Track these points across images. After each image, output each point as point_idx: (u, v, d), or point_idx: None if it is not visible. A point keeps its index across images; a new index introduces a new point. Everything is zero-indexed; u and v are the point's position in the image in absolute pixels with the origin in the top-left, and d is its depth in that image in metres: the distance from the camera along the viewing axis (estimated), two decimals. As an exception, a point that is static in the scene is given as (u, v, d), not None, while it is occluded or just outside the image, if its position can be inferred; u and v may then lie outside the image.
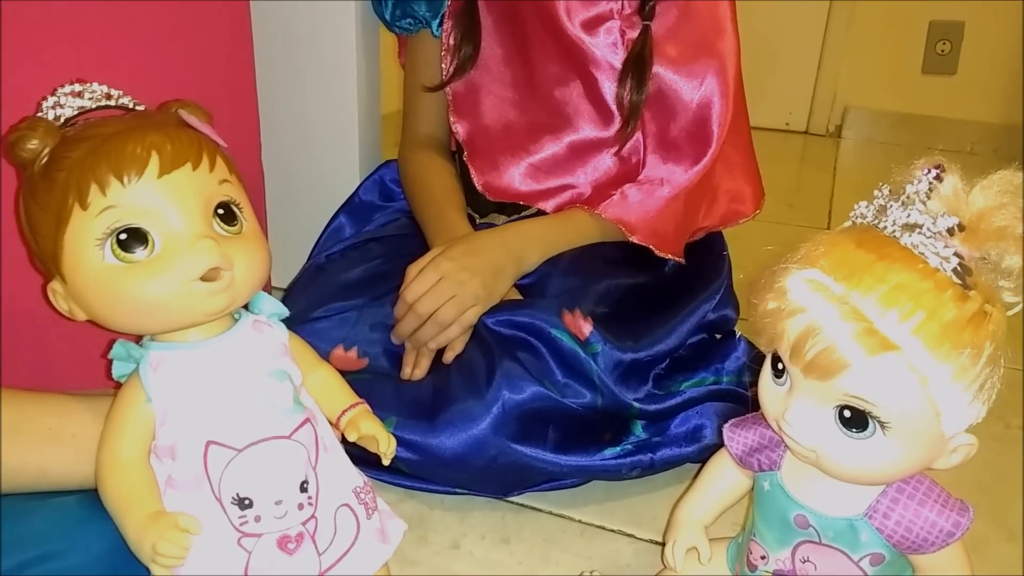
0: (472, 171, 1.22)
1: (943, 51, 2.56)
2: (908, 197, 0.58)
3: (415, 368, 1.02)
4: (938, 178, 0.58)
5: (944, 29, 2.54)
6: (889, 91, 2.66)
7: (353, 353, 1.04)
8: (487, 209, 1.24)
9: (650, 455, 0.99)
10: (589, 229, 1.16)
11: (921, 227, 0.57)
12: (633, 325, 1.06)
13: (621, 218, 1.14)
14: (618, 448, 0.98)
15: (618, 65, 1.16)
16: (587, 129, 1.20)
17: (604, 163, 1.20)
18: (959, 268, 0.56)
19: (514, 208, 1.22)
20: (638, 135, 1.18)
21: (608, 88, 1.17)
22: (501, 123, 1.23)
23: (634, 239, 1.13)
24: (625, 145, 1.17)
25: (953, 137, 2.54)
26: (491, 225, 1.20)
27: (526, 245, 1.10)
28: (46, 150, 0.61)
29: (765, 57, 2.59)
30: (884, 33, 2.59)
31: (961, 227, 0.56)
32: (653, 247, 1.14)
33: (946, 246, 0.56)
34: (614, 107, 1.18)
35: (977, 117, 2.56)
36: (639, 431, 1.00)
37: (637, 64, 1.14)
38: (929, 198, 0.57)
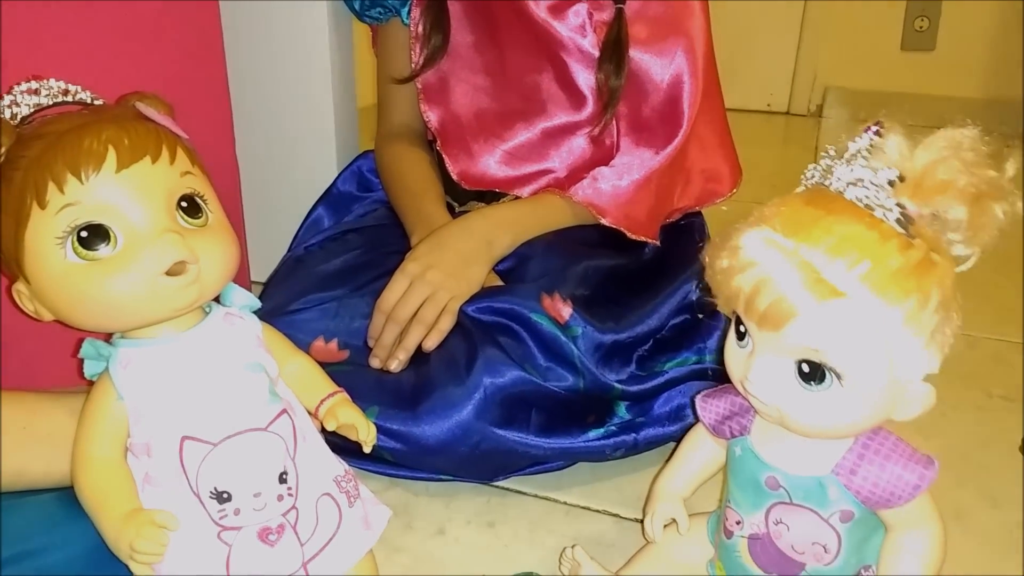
0: (447, 160, 1.23)
1: (921, 28, 2.57)
2: (851, 155, 0.61)
3: (393, 360, 1.01)
4: (877, 134, 0.60)
5: (922, 6, 2.54)
6: (869, 69, 2.66)
7: (334, 345, 1.04)
8: (465, 197, 1.24)
9: (634, 435, 0.99)
10: (561, 212, 1.16)
11: (863, 181, 0.59)
12: (614, 306, 1.07)
13: (592, 201, 1.14)
14: (602, 430, 0.98)
15: (587, 48, 1.16)
16: (560, 115, 1.20)
17: (578, 146, 1.20)
18: (901, 218, 0.58)
19: (492, 196, 1.22)
20: (609, 121, 1.18)
21: (579, 72, 1.17)
22: (472, 110, 1.23)
23: (605, 222, 1.14)
24: (604, 129, 1.17)
25: (934, 113, 2.51)
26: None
27: (494, 228, 1.10)
28: (2, 149, 0.60)
29: (745, 38, 2.59)
30: (862, 11, 2.59)
31: (901, 178, 0.58)
32: (625, 230, 1.14)
33: (888, 197, 0.58)
34: (586, 91, 1.18)
35: (957, 92, 2.57)
36: (622, 412, 1.01)
37: (615, 49, 1.14)
38: (871, 155, 0.59)
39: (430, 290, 1.01)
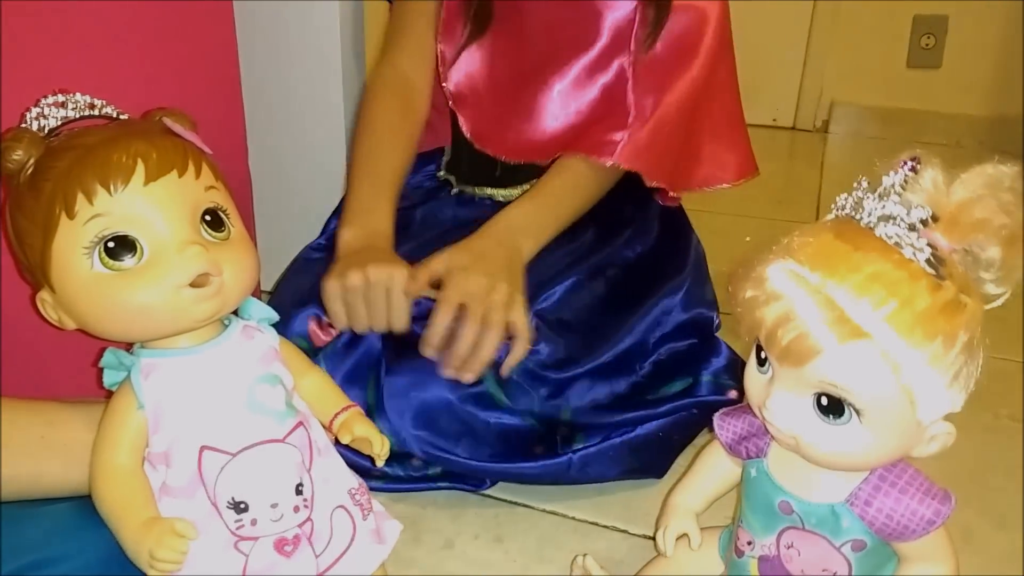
0: (464, 127, 1.20)
1: (928, 45, 2.57)
2: (884, 189, 0.59)
3: (468, 374, 0.97)
4: (913, 170, 0.59)
5: (928, 23, 2.55)
6: (875, 86, 2.66)
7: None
8: (482, 171, 1.23)
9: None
10: (584, 187, 1.13)
11: (895, 218, 0.58)
12: (587, 329, 1.07)
13: (620, 159, 1.11)
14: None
15: None
16: (573, 64, 1.17)
17: (592, 98, 1.17)
18: (932, 259, 0.57)
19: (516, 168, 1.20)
20: (623, 63, 1.15)
21: (608, 17, 1.14)
22: (492, 80, 1.20)
23: (630, 168, 1.12)
24: (648, 48, 1.14)
25: (940, 131, 2.55)
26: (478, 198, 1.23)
27: (518, 235, 1.06)
28: (31, 161, 0.61)
29: (751, 53, 2.56)
30: (869, 28, 2.60)
31: (935, 218, 0.57)
32: (646, 176, 1.13)
33: (920, 237, 0.57)
34: (605, 26, 1.14)
35: (963, 110, 2.57)
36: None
37: None
38: (904, 190, 0.58)
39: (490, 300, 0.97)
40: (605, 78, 1.16)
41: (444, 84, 1.19)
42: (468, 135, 1.19)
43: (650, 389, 1.07)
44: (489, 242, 1.04)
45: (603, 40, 1.15)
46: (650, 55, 1.13)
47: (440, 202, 1.25)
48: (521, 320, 0.97)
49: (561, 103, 1.18)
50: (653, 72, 1.14)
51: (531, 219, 1.09)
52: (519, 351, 0.97)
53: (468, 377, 0.96)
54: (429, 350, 0.96)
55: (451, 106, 1.20)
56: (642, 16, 1.13)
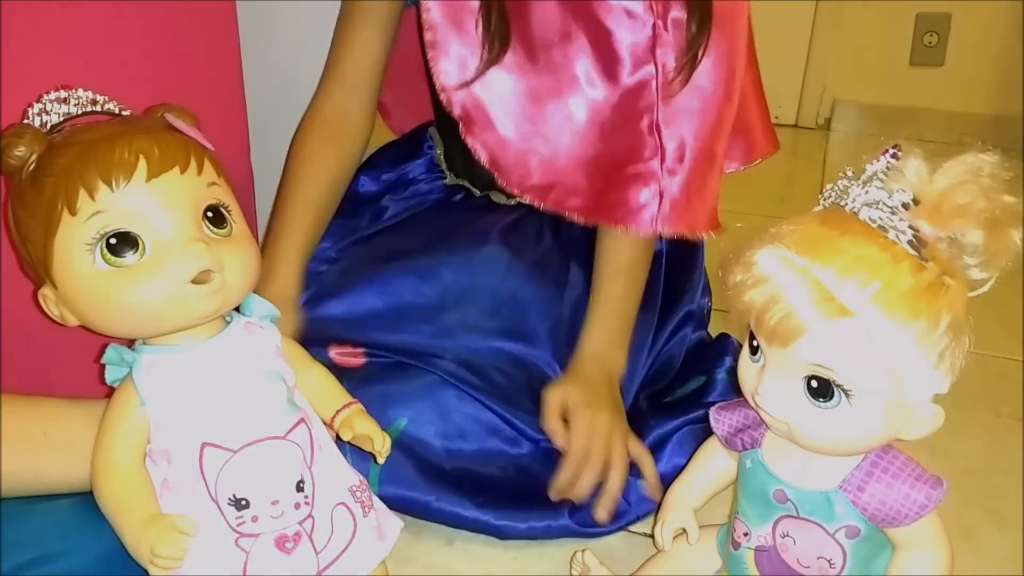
0: (474, 148, 1.10)
1: (930, 43, 2.57)
2: (868, 176, 0.62)
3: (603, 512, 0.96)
4: (894, 156, 0.61)
5: (931, 21, 2.54)
6: (877, 84, 2.66)
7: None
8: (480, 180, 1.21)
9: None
10: (641, 266, 1.10)
11: (878, 203, 0.60)
12: None
13: (667, 226, 1.06)
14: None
15: (635, 9, 1.04)
16: (595, 92, 1.08)
17: (617, 126, 1.08)
18: (914, 240, 0.58)
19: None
20: (649, 89, 1.06)
21: (622, 36, 1.05)
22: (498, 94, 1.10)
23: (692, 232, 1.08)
24: (683, 82, 1.05)
25: (942, 129, 2.54)
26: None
27: (611, 351, 1.05)
28: (33, 156, 0.61)
29: (753, 51, 2.59)
30: (872, 25, 2.59)
31: (916, 201, 0.59)
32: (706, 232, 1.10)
33: (901, 219, 0.59)
34: (626, 56, 1.05)
35: (965, 108, 2.56)
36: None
37: None
38: (887, 176, 0.60)
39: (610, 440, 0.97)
40: (630, 106, 1.07)
41: (448, 109, 1.09)
42: (486, 164, 1.09)
43: (666, 390, 1.08)
44: (592, 368, 1.03)
45: (625, 65, 1.06)
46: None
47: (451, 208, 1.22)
48: (637, 450, 0.98)
49: (584, 131, 1.09)
50: (683, 99, 1.07)
51: (614, 329, 1.07)
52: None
53: (604, 517, 0.96)
54: (556, 495, 0.96)
55: (461, 133, 1.09)
56: (662, 37, 1.04)
